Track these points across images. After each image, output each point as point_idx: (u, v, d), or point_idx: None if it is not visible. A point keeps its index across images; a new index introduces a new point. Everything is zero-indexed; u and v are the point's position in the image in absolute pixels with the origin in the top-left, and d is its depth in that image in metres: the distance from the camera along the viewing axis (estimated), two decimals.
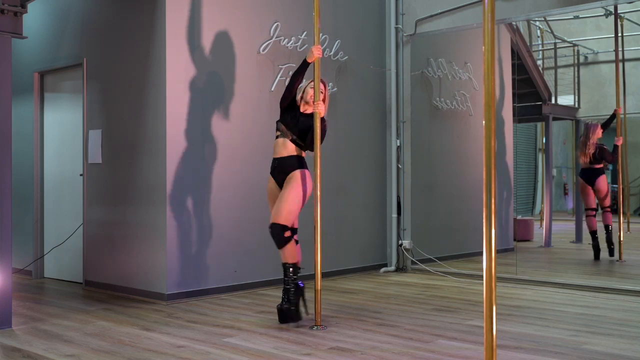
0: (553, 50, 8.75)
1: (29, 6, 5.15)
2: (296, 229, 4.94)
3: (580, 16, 8.05)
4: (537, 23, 8.59)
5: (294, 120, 4.82)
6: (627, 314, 5.06)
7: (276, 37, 6.39)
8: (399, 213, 7.55)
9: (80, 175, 6.51)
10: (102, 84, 6.30)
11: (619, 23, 7.61)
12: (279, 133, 4.88)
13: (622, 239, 7.50)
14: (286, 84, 4.92)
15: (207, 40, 5.89)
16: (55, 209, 6.91)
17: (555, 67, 8.67)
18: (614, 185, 8.35)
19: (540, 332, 4.46)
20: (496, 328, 2.81)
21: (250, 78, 6.22)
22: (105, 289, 6.15)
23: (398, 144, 7.56)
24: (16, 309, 5.14)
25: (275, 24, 6.39)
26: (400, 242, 7.51)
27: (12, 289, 4.83)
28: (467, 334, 4.40)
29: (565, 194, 9.30)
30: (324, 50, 6.84)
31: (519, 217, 8.94)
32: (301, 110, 4.87)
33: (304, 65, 4.81)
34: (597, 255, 7.68)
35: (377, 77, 7.54)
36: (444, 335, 4.37)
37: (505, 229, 8.34)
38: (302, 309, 4.76)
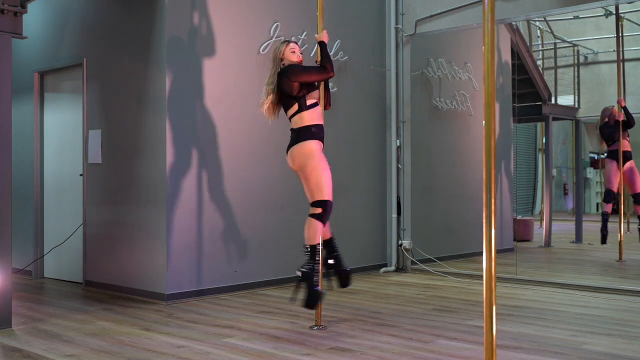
0: (553, 50, 8.76)
1: (29, 6, 5.15)
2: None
3: (580, 16, 8.05)
4: (537, 23, 8.59)
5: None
6: (627, 314, 5.06)
7: (276, 37, 6.39)
8: (399, 213, 7.55)
9: (80, 175, 6.51)
10: (102, 84, 6.30)
11: (619, 23, 7.61)
12: (315, 101, 4.58)
13: (622, 239, 7.50)
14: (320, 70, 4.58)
15: (206, 40, 5.89)
16: (55, 209, 6.91)
17: (555, 67, 8.67)
18: None
19: (540, 332, 4.46)
20: (496, 328, 2.81)
21: (250, 78, 6.21)
22: (105, 289, 6.15)
23: (398, 144, 7.56)
24: (16, 309, 5.14)
25: (275, 24, 6.39)
26: (400, 242, 7.51)
27: (12, 289, 4.83)
28: (467, 334, 4.40)
29: (565, 194, 9.31)
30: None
31: (519, 217, 8.94)
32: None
33: (324, 46, 4.66)
34: None
35: (377, 77, 7.54)
36: (444, 335, 4.37)
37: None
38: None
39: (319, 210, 4.56)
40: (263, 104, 4.65)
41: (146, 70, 5.82)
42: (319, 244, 4.58)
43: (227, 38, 6.05)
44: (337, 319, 4.90)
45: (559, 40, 8.63)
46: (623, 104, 7.64)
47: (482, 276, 2.86)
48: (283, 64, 4.63)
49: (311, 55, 6.60)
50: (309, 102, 4.55)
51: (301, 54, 4.73)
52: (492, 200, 2.80)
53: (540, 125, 9.17)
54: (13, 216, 5.08)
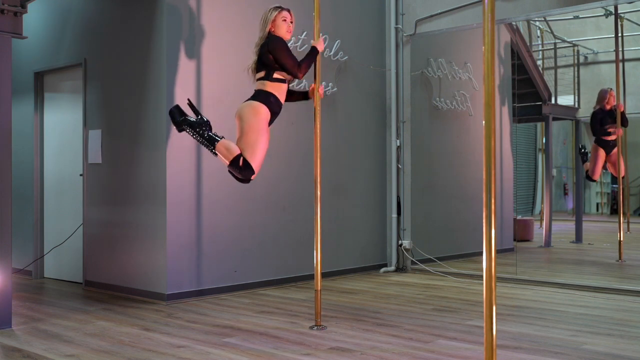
0: (553, 50, 8.75)
1: (29, 6, 5.15)
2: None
3: (580, 16, 8.04)
4: (537, 23, 8.59)
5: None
6: (627, 314, 5.06)
7: None
8: (399, 213, 7.55)
9: (80, 175, 6.51)
10: (102, 84, 6.30)
11: (619, 23, 7.61)
12: (282, 77, 4.62)
13: (622, 239, 7.50)
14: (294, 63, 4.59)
15: (206, 40, 5.89)
16: (55, 209, 6.91)
17: (555, 67, 8.66)
18: (614, 186, 8.36)
19: (540, 332, 4.46)
20: (496, 328, 2.81)
21: (250, 78, 6.20)
22: (105, 289, 6.15)
23: (398, 144, 7.56)
24: (16, 309, 5.14)
25: None
26: (400, 242, 7.51)
27: (12, 289, 4.83)
28: (467, 334, 4.40)
29: (565, 194, 9.30)
30: (323, 51, 6.84)
31: (519, 217, 8.94)
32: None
33: (315, 53, 4.70)
34: None
35: (377, 77, 7.54)
36: (444, 335, 4.37)
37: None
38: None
39: (240, 164, 4.40)
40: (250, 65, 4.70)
41: (146, 70, 5.82)
42: (215, 145, 4.42)
43: (227, 38, 6.05)
44: (337, 319, 4.90)
45: (559, 40, 8.63)
46: (622, 109, 7.66)
47: (482, 276, 2.86)
48: (272, 31, 4.63)
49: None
50: (275, 76, 4.57)
51: (292, 23, 4.70)
52: (492, 200, 2.80)
53: (540, 125, 9.17)
54: (13, 216, 5.08)
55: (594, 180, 8.12)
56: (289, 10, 4.72)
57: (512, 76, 8.30)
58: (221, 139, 4.46)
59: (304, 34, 6.61)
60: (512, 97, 8.35)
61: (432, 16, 7.28)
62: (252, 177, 4.54)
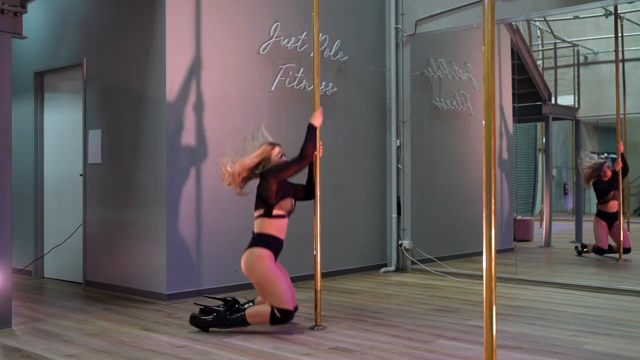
0: (553, 50, 8.75)
1: (29, 6, 5.15)
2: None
3: (580, 16, 8.04)
4: (537, 23, 8.59)
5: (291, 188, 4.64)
6: (627, 314, 5.06)
7: (276, 37, 6.39)
8: (399, 213, 7.55)
9: (80, 175, 6.51)
10: (102, 84, 6.30)
11: (619, 23, 7.61)
12: (283, 213, 4.56)
13: (622, 238, 7.50)
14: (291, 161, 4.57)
15: (206, 40, 5.89)
16: (55, 209, 6.91)
17: (555, 67, 8.67)
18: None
19: (540, 332, 4.46)
20: (496, 328, 2.81)
21: (250, 78, 6.22)
22: (105, 289, 6.15)
23: (398, 144, 7.56)
24: (16, 309, 5.14)
25: (275, 24, 6.39)
26: (400, 242, 7.51)
27: (12, 289, 4.83)
28: (467, 334, 4.40)
29: (565, 194, 9.30)
30: (323, 51, 6.85)
31: (519, 217, 8.94)
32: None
33: (313, 130, 4.66)
34: None
35: (377, 77, 7.54)
36: (444, 335, 4.37)
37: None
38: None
39: (278, 316, 4.40)
40: (231, 176, 4.54)
41: (146, 70, 5.81)
42: (246, 322, 4.48)
43: (227, 38, 6.05)
44: (337, 319, 4.90)
45: (559, 40, 8.63)
46: (621, 150, 7.58)
47: (482, 276, 2.86)
48: (264, 166, 4.56)
49: (311, 55, 6.60)
50: (275, 212, 4.50)
51: (285, 155, 4.64)
52: (492, 200, 2.80)
53: (540, 125, 9.17)
54: (13, 216, 5.08)
55: (606, 250, 7.76)
56: (280, 145, 4.67)
57: (512, 76, 8.30)
58: (244, 311, 4.46)
59: (304, 33, 6.61)
60: (512, 97, 8.35)
61: (432, 16, 7.28)
62: (296, 305, 4.50)
